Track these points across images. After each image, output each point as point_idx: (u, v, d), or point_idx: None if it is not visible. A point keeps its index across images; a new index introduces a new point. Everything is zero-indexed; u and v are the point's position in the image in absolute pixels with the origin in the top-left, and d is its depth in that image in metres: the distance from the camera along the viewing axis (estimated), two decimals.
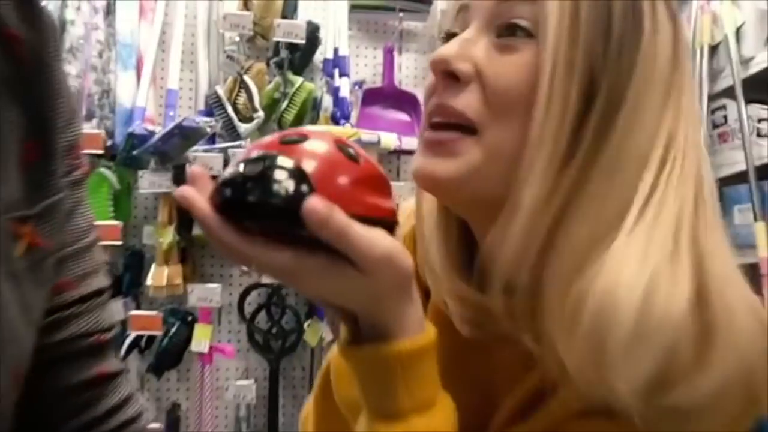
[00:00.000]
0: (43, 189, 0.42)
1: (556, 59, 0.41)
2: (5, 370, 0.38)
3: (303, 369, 1.78)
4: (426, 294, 0.49)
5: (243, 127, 1.53)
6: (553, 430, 0.43)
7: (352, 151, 0.37)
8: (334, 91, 1.60)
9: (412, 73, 1.87)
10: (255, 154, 0.36)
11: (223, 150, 1.50)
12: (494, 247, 0.44)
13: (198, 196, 0.35)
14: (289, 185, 0.34)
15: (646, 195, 0.41)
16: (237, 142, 1.52)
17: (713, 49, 1.87)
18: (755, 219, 1.68)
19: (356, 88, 1.67)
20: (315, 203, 0.33)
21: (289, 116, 1.64)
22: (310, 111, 1.67)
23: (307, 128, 0.40)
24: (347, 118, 1.57)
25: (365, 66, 1.86)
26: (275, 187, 0.34)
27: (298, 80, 1.66)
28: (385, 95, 1.78)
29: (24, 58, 0.41)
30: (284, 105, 1.64)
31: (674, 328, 0.38)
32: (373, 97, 1.77)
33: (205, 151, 1.48)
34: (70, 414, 0.45)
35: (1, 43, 0.40)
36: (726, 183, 1.86)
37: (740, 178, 1.77)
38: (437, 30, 0.48)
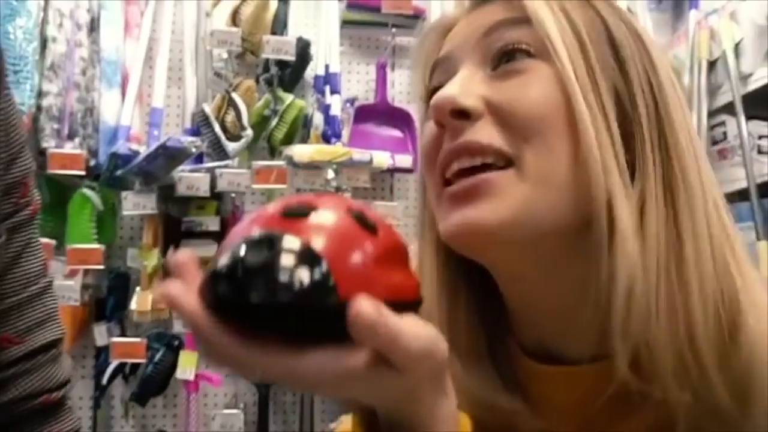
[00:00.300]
0: None
1: (578, 74, 0.38)
2: None
3: (294, 394, 1.73)
4: None
5: (231, 146, 1.48)
6: None
7: (369, 219, 0.30)
8: (325, 109, 1.56)
9: (405, 89, 1.84)
10: (254, 233, 0.29)
11: (210, 170, 1.45)
12: (544, 308, 0.40)
13: (185, 295, 0.28)
14: (302, 275, 0.27)
15: (717, 213, 0.40)
16: (224, 162, 1.48)
17: (711, 64, 1.85)
18: (758, 238, 1.64)
19: (348, 105, 1.63)
20: (363, 307, 0.27)
21: (279, 134, 1.59)
22: (300, 129, 1.63)
23: (313, 195, 0.32)
24: (338, 136, 1.52)
25: (357, 82, 1.82)
26: (283, 278, 0.27)
27: (289, 97, 1.61)
28: (378, 112, 1.74)
29: None
30: (274, 123, 1.59)
31: None
32: (365, 114, 1.73)
33: (192, 170, 1.44)
34: None
35: None
36: (727, 201, 1.83)
37: (741, 195, 1.73)
38: (423, 78, 0.42)
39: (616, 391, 0.37)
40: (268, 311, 0.27)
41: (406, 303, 0.30)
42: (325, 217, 0.29)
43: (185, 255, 0.30)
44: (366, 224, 0.30)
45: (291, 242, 0.28)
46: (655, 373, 0.36)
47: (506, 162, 0.38)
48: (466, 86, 0.39)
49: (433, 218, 0.41)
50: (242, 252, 0.28)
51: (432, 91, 0.42)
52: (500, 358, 0.42)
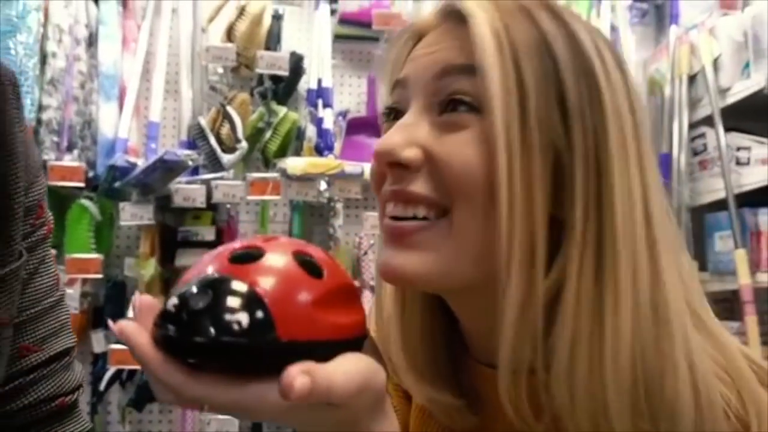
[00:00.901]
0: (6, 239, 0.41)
1: (509, 136, 0.39)
2: None
3: None
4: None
5: (226, 158, 1.53)
6: None
7: (315, 262, 0.33)
8: (318, 122, 1.60)
9: None
10: (202, 276, 0.31)
11: (206, 181, 1.49)
12: (478, 327, 0.43)
13: (138, 332, 0.31)
14: (243, 318, 0.29)
15: (652, 271, 0.39)
16: (220, 173, 1.52)
17: (692, 78, 1.91)
18: (736, 246, 1.70)
19: (340, 118, 1.68)
20: (291, 378, 0.29)
21: (273, 146, 1.64)
22: (293, 141, 1.67)
23: (263, 239, 0.34)
24: (331, 149, 1.57)
25: (349, 95, 1.86)
26: (227, 320, 0.29)
27: (282, 110, 1.66)
28: (370, 124, 1.78)
29: None
30: (268, 135, 1.64)
31: (720, 408, 0.39)
32: (357, 126, 1.78)
33: (188, 182, 1.48)
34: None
35: None
36: (707, 210, 1.88)
37: (720, 205, 1.79)
38: (384, 91, 0.45)
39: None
40: (212, 350, 0.30)
41: (347, 340, 0.33)
42: (272, 261, 0.32)
43: (146, 298, 0.33)
44: (311, 268, 0.33)
45: (236, 286, 0.30)
46: (572, 423, 0.39)
47: (439, 212, 0.41)
48: (409, 134, 0.41)
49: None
50: (188, 294, 0.30)
51: (388, 109, 0.45)
52: (450, 364, 0.46)
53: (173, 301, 0.31)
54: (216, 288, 0.30)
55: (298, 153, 1.64)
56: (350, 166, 1.51)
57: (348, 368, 0.32)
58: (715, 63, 1.85)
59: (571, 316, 0.38)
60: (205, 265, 0.32)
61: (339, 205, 1.64)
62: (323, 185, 1.56)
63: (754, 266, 1.71)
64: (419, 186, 0.41)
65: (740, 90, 1.78)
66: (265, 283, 0.31)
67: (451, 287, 0.42)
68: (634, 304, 0.38)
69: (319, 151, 1.59)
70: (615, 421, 0.37)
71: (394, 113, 0.45)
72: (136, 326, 0.31)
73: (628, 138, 0.41)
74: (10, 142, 0.43)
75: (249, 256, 0.32)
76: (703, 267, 1.85)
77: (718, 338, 0.42)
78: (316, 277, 0.33)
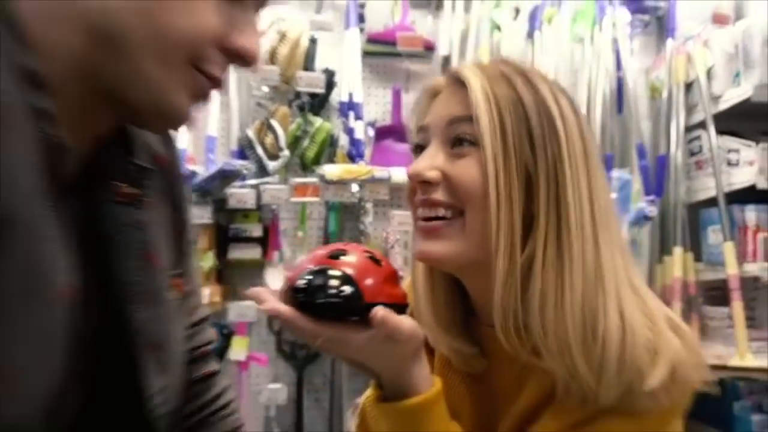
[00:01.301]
0: (182, 256, 0.63)
1: (495, 164, 0.59)
2: (181, 372, 0.60)
3: (324, 376, 1.99)
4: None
5: (271, 165, 1.76)
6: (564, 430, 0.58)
7: (375, 257, 0.55)
8: (350, 132, 1.82)
9: None
10: (313, 267, 0.53)
11: (255, 186, 1.73)
12: (483, 297, 0.63)
13: (279, 305, 0.52)
14: (345, 289, 0.52)
15: (595, 255, 0.58)
16: (266, 179, 1.75)
17: (689, 85, 2.08)
18: (725, 239, 1.88)
19: (369, 128, 1.89)
20: (379, 311, 0.51)
21: (311, 153, 1.86)
22: (328, 148, 1.89)
23: (342, 244, 0.56)
24: (362, 156, 1.79)
25: (376, 104, 2.08)
26: (335, 290, 0.52)
27: (318, 121, 1.88)
28: (394, 131, 2.00)
29: (168, 173, 0.61)
30: (306, 143, 1.86)
31: (642, 343, 0.57)
32: (384, 132, 1.99)
33: (240, 187, 1.71)
34: (189, 399, 0.66)
35: (156, 164, 0.59)
36: (702, 206, 2.07)
37: (714, 202, 1.97)
38: (413, 131, 0.65)
39: (525, 363, 0.61)
40: (326, 307, 0.51)
41: (399, 305, 0.54)
42: (352, 257, 0.54)
43: (260, 288, 0.55)
44: (375, 261, 0.54)
45: (335, 272, 0.52)
46: (545, 353, 0.58)
47: (455, 212, 0.60)
48: (432, 161, 0.61)
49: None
50: (310, 277, 0.52)
51: (415, 146, 0.66)
52: (465, 325, 0.67)
53: (301, 281, 0.53)
54: (325, 273, 0.53)
55: (332, 159, 1.87)
56: (379, 172, 1.74)
57: (405, 320, 0.54)
58: (709, 72, 2.02)
59: (540, 279, 0.58)
60: (311, 261, 0.55)
61: (369, 205, 1.87)
62: (355, 188, 1.78)
63: (742, 257, 1.90)
64: (440, 195, 0.61)
65: (731, 97, 1.96)
66: (352, 270, 0.53)
67: (464, 265, 0.62)
68: (581, 269, 0.58)
69: (351, 157, 1.81)
70: (572, 345, 0.57)
71: (420, 148, 0.65)
72: (274, 300, 0.53)
73: (579, 159, 0.61)
74: (183, 182, 0.64)
75: (338, 254, 0.54)
76: (698, 258, 2.04)
77: (644, 298, 0.61)
78: (378, 265, 0.55)
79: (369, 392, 0.63)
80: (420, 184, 0.62)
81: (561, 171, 0.60)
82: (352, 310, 0.52)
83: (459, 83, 0.63)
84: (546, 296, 0.58)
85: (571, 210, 0.59)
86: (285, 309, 0.53)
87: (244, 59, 0.50)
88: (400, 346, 0.54)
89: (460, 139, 0.61)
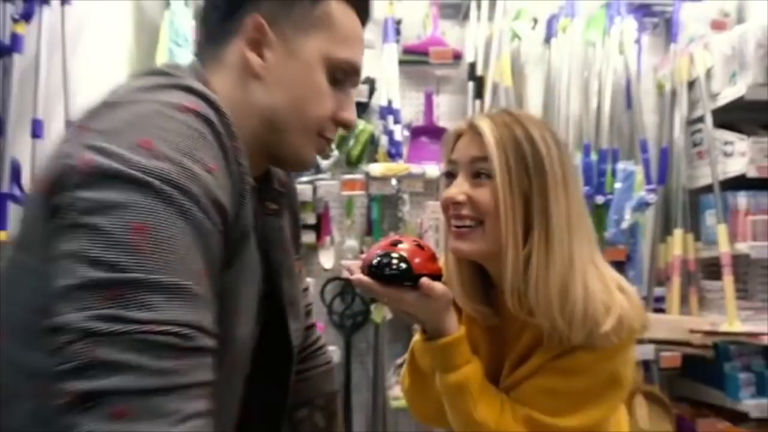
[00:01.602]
0: (298, 246, 0.95)
1: (503, 191, 0.88)
2: (303, 320, 0.92)
3: (368, 342, 2.33)
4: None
5: (324, 163, 2.07)
6: (543, 364, 0.90)
7: (421, 244, 0.87)
8: (389, 134, 2.12)
9: (447, 110, 2.38)
10: (381, 251, 0.85)
11: (311, 181, 2.04)
12: (498, 276, 0.94)
13: (361, 276, 0.84)
14: (401, 265, 0.84)
15: (570, 250, 0.87)
16: (319, 175, 2.06)
17: (691, 83, 2.31)
18: (718, 222, 2.15)
19: (405, 129, 2.19)
20: (424, 280, 0.84)
21: (355, 152, 2.17)
22: (369, 146, 2.20)
23: (399, 235, 0.91)
24: (400, 155, 2.09)
25: (410, 106, 2.37)
26: (394, 266, 0.84)
27: (361, 123, 2.18)
28: (427, 130, 2.30)
29: (289, 192, 0.91)
30: (351, 143, 2.17)
31: (599, 302, 0.87)
32: (419, 131, 2.29)
33: (298, 182, 2.03)
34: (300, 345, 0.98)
35: (283, 187, 0.88)
36: (701, 192, 2.32)
37: (711, 188, 2.22)
38: (444, 160, 0.99)
39: (524, 320, 0.91)
40: (392, 276, 0.83)
41: (437, 276, 0.86)
42: (405, 244, 0.86)
43: (353, 263, 0.88)
44: (420, 247, 0.86)
45: (395, 254, 0.84)
46: (537, 313, 0.89)
47: (477, 222, 0.90)
48: (460, 188, 0.90)
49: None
50: (381, 257, 0.85)
51: (446, 173, 0.96)
52: (485, 293, 0.97)
53: (374, 260, 0.84)
54: (389, 255, 0.85)
55: (374, 157, 2.17)
56: (415, 168, 2.04)
57: (440, 285, 0.86)
58: (708, 72, 2.26)
59: (535, 266, 0.88)
60: (379, 247, 0.87)
61: (406, 196, 2.17)
62: (394, 182, 2.08)
63: (734, 237, 2.16)
64: (466, 211, 0.91)
65: (728, 95, 2.20)
66: (406, 253, 0.85)
67: (484, 257, 0.93)
68: (560, 258, 0.87)
69: (390, 155, 2.11)
70: (553, 305, 0.87)
71: (450, 175, 0.96)
72: (356, 269, 0.86)
73: (559, 181, 0.89)
74: (297, 199, 0.97)
75: (397, 243, 0.87)
76: (698, 238, 2.30)
77: (603, 272, 0.90)
78: (422, 249, 0.87)
79: (416, 337, 0.96)
80: (453, 204, 0.93)
81: (547, 192, 0.89)
82: (406, 278, 0.85)
83: (475, 130, 0.93)
84: (538, 276, 0.88)
85: (554, 219, 0.89)
86: (365, 278, 0.85)
87: (347, 126, 0.81)
88: (436, 302, 0.87)
89: (479, 173, 0.92)
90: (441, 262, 0.99)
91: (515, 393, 0.93)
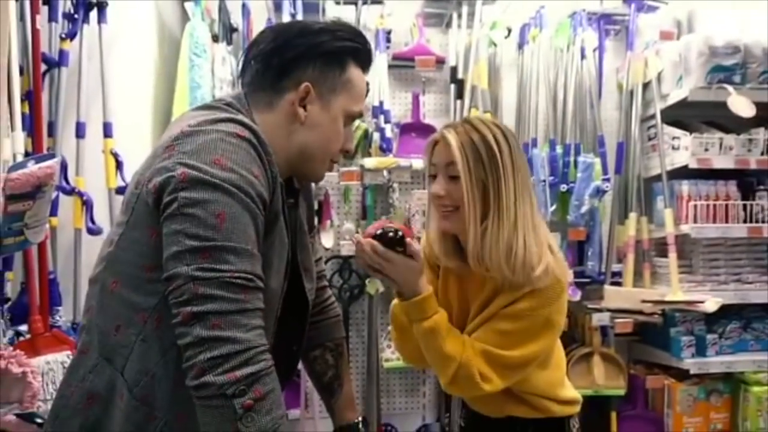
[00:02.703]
0: (312, 228, 1.27)
1: (467, 186, 1.20)
2: (315, 281, 1.24)
3: (363, 312, 2.66)
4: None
5: None
6: (497, 312, 1.22)
7: (406, 224, 1.37)
8: (381, 131, 2.43)
9: (432, 109, 2.69)
10: (384, 227, 1.19)
11: None
12: (465, 243, 1.26)
13: (366, 239, 1.18)
14: (399, 233, 1.18)
15: (515, 219, 1.20)
16: None
17: (646, 85, 2.63)
18: (665, 206, 2.49)
19: (395, 128, 2.50)
20: (413, 244, 1.18)
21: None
22: (363, 142, 2.51)
23: (388, 220, 1.13)
24: (390, 150, 2.40)
25: (399, 105, 2.68)
26: (393, 233, 1.17)
27: (356, 121, 2.49)
28: (415, 127, 2.61)
29: (305, 188, 1.23)
30: None
31: (534, 254, 1.19)
32: (407, 128, 2.60)
33: None
34: (316, 297, 1.27)
35: (300, 184, 1.20)
36: (654, 180, 2.65)
37: (661, 178, 2.55)
38: (426, 164, 1.31)
39: (483, 274, 1.24)
40: (390, 241, 1.18)
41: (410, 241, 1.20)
42: (396, 224, 1.21)
43: (359, 237, 1.21)
44: (408, 225, 1.44)
45: (393, 227, 1.19)
46: (491, 268, 1.21)
47: (455, 208, 1.22)
48: (441, 186, 1.22)
49: (432, 213, 1.30)
50: (382, 231, 1.19)
51: (430, 175, 1.29)
52: (458, 253, 1.29)
53: (379, 231, 1.19)
54: (387, 230, 1.19)
55: (368, 150, 2.48)
56: (403, 162, 2.36)
57: (418, 248, 1.20)
58: (659, 75, 2.58)
59: (489, 234, 1.20)
60: (380, 225, 1.21)
61: (396, 185, 2.49)
62: (386, 174, 2.40)
63: (678, 220, 2.50)
64: (446, 201, 1.25)
65: (675, 96, 2.52)
66: (398, 227, 1.20)
67: (459, 231, 1.25)
68: (507, 226, 1.19)
69: (382, 150, 2.42)
70: (502, 261, 1.19)
71: (432, 177, 1.28)
72: (362, 238, 1.19)
73: (509, 174, 1.21)
74: (311, 189, 1.29)
75: (392, 226, 1.21)
76: (651, 220, 2.64)
77: (539, 236, 1.23)
78: (408, 229, 1.24)
79: (394, 302, 1.29)
80: (437, 197, 1.26)
81: (500, 182, 1.21)
82: (399, 244, 1.18)
83: (446, 140, 1.25)
84: (491, 242, 1.20)
85: (504, 202, 1.21)
86: (372, 240, 1.17)
87: (347, 154, 1.14)
88: (416, 263, 1.19)
89: (452, 177, 1.24)
90: (424, 239, 1.34)
91: (476, 334, 1.25)
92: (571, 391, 1.37)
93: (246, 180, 0.94)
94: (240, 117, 1.02)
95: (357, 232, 2.48)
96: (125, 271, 0.98)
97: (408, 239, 1.19)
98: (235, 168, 0.93)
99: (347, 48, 1.07)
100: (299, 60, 1.05)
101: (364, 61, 1.10)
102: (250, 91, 1.09)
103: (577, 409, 1.36)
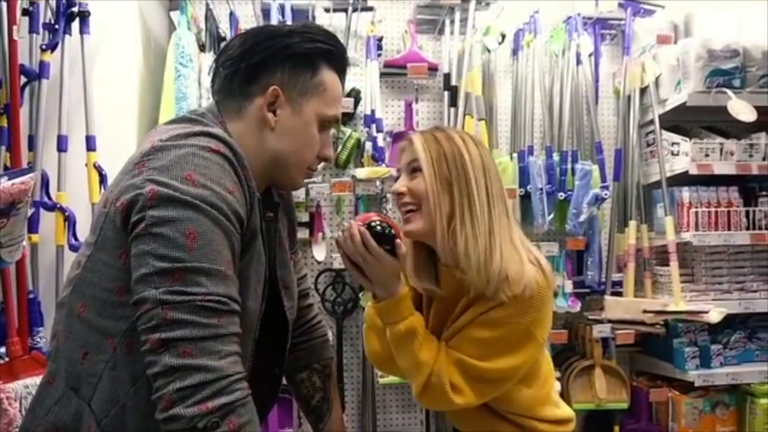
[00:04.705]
0: (293, 244, 1.21)
1: (431, 181, 1.15)
2: (296, 300, 1.17)
3: (358, 326, 2.59)
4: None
5: None
6: (473, 319, 1.15)
7: (392, 219, 1.16)
8: (373, 140, 2.38)
9: (425, 117, 2.64)
10: (370, 219, 1.12)
11: (305, 184, 2.29)
12: (436, 244, 1.19)
13: (356, 227, 1.11)
14: (385, 229, 1.12)
15: (490, 226, 1.14)
16: (312, 178, 2.31)
17: (643, 90, 2.58)
18: (666, 214, 2.43)
19: (388, 137, 2.45)
20: (402, 246, 1.12)
21: (343, 156, 2.42)
22: (356, 152, 2.45)
23: (375, 213, 1.17)
24: (383, 159, 2.34)
25: (392, 113, 2.63)
26: (379, 229, 1.11)
27: (348, 130, 2.43)
28: (407, 135, 2.55)
29: (285, 201, 1.17)
30: (339, 148, 2.42)
31: (512, 266, 1.13)
32: (399, 136, 2.54)
33: None
34: (300, 317, 1.23)
35: (280, 198, 1.15)
36: (654, 187, 2.59)
37: (661, 184, 2.49)
38: (403, 161, 1.24)
39: (459, 280, 1.17)
40: (379, 235, 1.12)
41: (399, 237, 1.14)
42: (385, 218, 1.14)
43: (352, 224, 1.14)
44: (397, 221, 1.17)
45: (377, 222, 1.13)
46: (466, 271, 1.14)
47: (417, 206, 1.17)
48: (401, 182, 1.19)
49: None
50: (370, 223, 1.12)
51: (398, 171, 1.24)
52: (431, 267, 1.23)
53: (373, 223, 1.13)
54: (381, 224, 1.13)
55: (360, 160, 2.43)
56: (395, 172, 2.29)
57: (404, 249, 1.13)
58: (657, 80, 2.53)
59: (462, 238, 1.14)
60: (369, 217, 1.14)
61: (389, 195, 2.43)
62: (378, 184, 2.34)
63: (679, 227, 2.44)
64: (407, 199, 1.19)
65: (673, 101, 2.47)
66: (386, 221, 1.14)
67: (426, 234, 1.18)
68: (482, 233, 1.14)
69: (375, 159, 2.37)
70: (477, 266, 1.13)
71: (399, 173, 1.23)
72: (355, 226, 1.12)
73: (479, 171, 1.17)
74: (293, 205, 1.23)
75: (379, 219, 1.15)
76: (651, 228, 2.58)
77: (517, 246, 1.17)
78: (396, 225, 1.15)
79: (369, 304, 1.22)
80: (398, 195, 1.21)
81: (468, 182, 1.16)
82: (389, 239, 1.12)
83: (411, 142, 1.21)
84: (466, 246, 1.14)
85: (476, 200, 1.16)
86: (364, 229, 1.11)
87: (326, 160, 1.08)
88: (400, 262, 1.13)
89: (414, 169, 1.19)
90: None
91: (451, 342, 1.19)
92: (562, 410, 1.29)
93: (220, 196, 0.88)
94: (214, 130, 0.96)
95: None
96: (94, 295, 0.92)
97: (398, 240, 1.13)
98: (208, 184, 0.87)
99: (318, 50, 1.02)
100: (267, 63, 1.00)
101: (338, 64, 1.05)
102: (220, 99, 1.04)
103: (570, 428, 1.29)
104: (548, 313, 1.18)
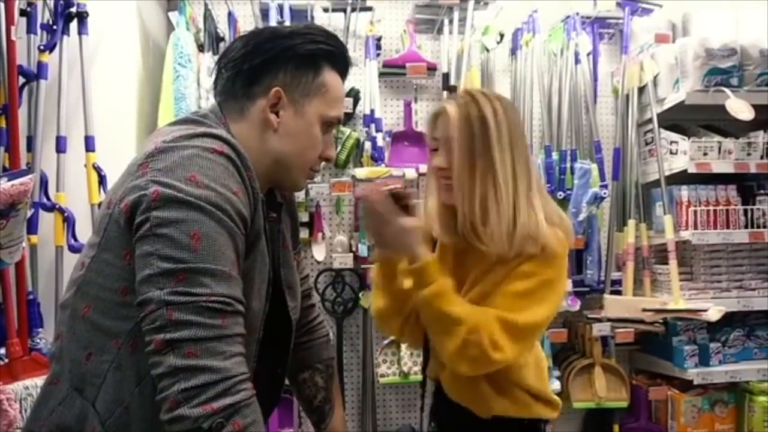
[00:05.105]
0: (296, 244, 1.21)
1: (459, 153, 1.19)
2: (299, 300, 1.18)
3: (358, 326, 2.59)
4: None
5: None
6: (505, 275, 1.19)
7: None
8: (373, 140, 2.37)
9: (424, 116, 2.63)
10: (389, 185, 1.17)
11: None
12: (462, 214, 1.22)
13: (378, 192, 1.17)
14: (407, 197, 1.18)
15: (514, 197, 1.19)
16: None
17: (641, 89, 2.59)
18: (664, 213, 2.43)
19: (387, 137, 2.44)
20: (414, 207, 1.19)
21: (343, 156, 2.42)
22: (355, 152, 2.45)
23: (387, 182, 1.23)
24: (382, 159, 2.34)
25: (391, 113, 2.63)
26: (397, 192, 1.17)
27: (347, 130, 2.43)
28: (407, 135, 2.55)
29: (288, 201, 1.17)
30: (339, 148, 2.42)
31: (529, 232, 1.17)
32: (398, 137, 2.54)
33: None
34: (303, 317, 1.22)
35: (283, 198, 1.15)
36: (652, 186, 2.60)
37: (657, 183, 2.50)
38: (428, 137, 1.30)
39: (479, 249, 1.22)
40: (396, 197, 1.17)
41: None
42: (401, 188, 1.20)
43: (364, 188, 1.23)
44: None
45: (402, 191, 1.19)
46: (487, 241, 1.19)
47: (450, 180, 1.22)
48: (444, 159, 1.22)
49: (432, 187, 1.28)
50: (397, 191, 1.18)
51: (432, 149, 1.26)
52: (456, 227, 1.25)
53: (394, 190, 1.18)
54: (398, 191, 1.19)
55: (359, 160, 2.42)
56: (395, 171, 2.29)
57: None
58: (655, 79, 2.53)
59: (492, 201, 1.18)
60: (383, 183, 1.19)
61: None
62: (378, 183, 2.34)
63: (678, 226, 2.44)
64: (448, 173, 1.21)
65: (672, 100, 2.47)
66: (402, 188, 1.20)
67: (453, 201, 1.22)
68: (505, 200, 1.18)
69: (374, 159, 2.37)
70: (504, 238, 1.17)
71: (434, 150, 1.25)
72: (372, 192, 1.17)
73: (505, 145, 1.20)
74: (296, 207, 1.23)
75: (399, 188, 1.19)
76: (650, 227, 2.58)
77: (536, 211, 1.20)
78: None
79: (401, 265, 1.22)
80: (439, 169, 1.24)
81: (491, 152, 1.19)
82: (403, 199, 1.17)
83: (445, 113, 1.24)
84: (494, 209, 1.19)
85: (500, 176, 1.19)
86: (383, 194, 1.16)
87: (328, 161, 1.08)
88: (420, 229, 1.18)
89: (449, 147, 1.22)
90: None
91: (486, 301, 1.21)
92: (552, 394, 1.35)
93: (224, 197, 0.88)
94: (218, 131, 0.96)
95: (350, 246, 2.41)
96: (98, 296, 0.92)
97: (412, 204, 1.19)
98: (211, 185, 0.87)
99: (320, 51, 1.02)
100: (270, 64, 1.00)
101: (340, 65, 1.05)
102: (223, 101, 1.04)
103: (555, 414, 1.33)
104: (565, 270, 1.25)
